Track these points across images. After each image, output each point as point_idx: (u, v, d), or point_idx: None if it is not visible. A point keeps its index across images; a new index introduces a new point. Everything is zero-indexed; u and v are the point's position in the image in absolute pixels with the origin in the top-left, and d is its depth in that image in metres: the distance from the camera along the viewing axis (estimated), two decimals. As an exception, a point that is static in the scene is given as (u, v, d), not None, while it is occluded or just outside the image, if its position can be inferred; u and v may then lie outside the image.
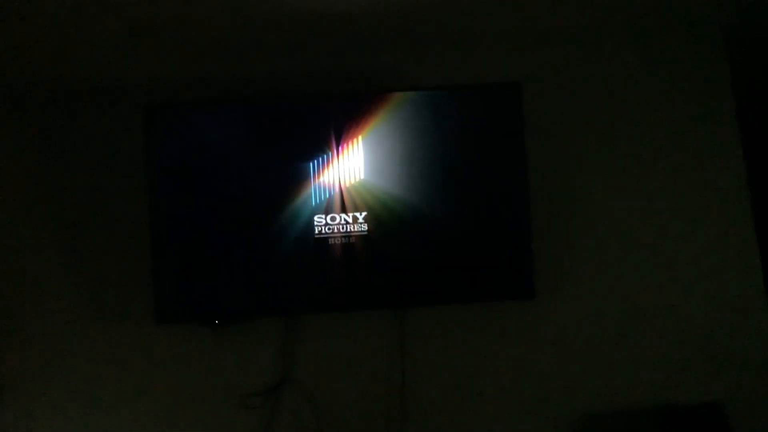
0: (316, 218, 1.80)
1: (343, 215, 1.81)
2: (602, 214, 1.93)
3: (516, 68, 1.97)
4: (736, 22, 1.98)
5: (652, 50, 2.00)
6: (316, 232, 1.80)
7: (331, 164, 1.82)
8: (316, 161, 1.82)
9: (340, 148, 1.83)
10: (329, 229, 1.80)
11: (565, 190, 1.94)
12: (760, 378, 1.83)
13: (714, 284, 1.89)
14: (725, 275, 1.89)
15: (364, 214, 1.80)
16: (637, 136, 1.96)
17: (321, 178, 1.82)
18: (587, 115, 1.98)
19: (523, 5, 1.82)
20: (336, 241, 1.80)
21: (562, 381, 1.86)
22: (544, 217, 1.87)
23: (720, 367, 1.84)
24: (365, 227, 1.80)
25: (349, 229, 1.80)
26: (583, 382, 1.85)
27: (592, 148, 1.96)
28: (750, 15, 1.96)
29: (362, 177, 1.82)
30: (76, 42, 1.82)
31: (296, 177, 1.82)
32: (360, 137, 1.83)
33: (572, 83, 1.99)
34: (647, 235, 1.91)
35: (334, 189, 1.82)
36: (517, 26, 1.94)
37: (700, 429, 1.71)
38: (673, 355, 1.86)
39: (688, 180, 1.94)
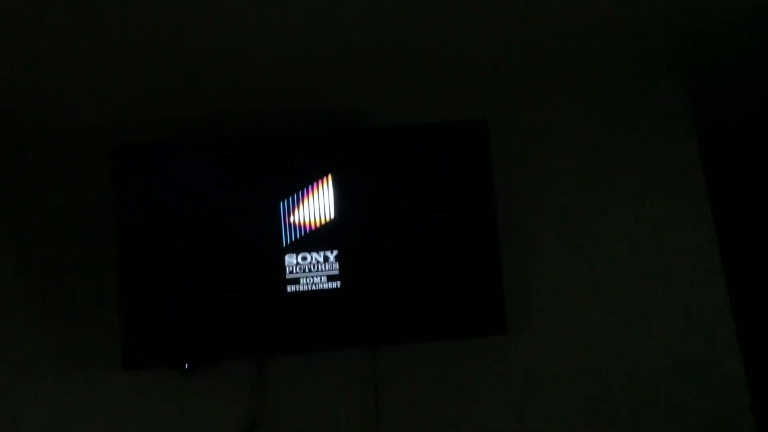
0: (287, 258, 1.79)
1: (314, 255, 1.80)
2: (571, 248, 1.96)
3: (485, 106, 2.01)
4: (697, 62, 2.06)
5: (615, 89, 2.06)
6: (287, 272, 1.79)
7: (301, 203, 1.82)
8: (286, 200, 1.82)
9: (310, 187, 1.83)
10: (300, 269, 1.79)
11: (533, 225, 1.97)
12: (729, 413, 1.86)
13: (684, 318, 1.91)
14: (695, 308, 1.92)
15: (335, 253, 1.80)
16: (604, 172, 2.00)
17: (292, 218, 1.81)
18: (555, 151, 2.02)
19: (491, 45, 1.86)
20: (307, 281, 1.79)
21: (533, 415, 1.86)
22: (513, 252, 1.89)
23: (689, 404, 1.86)
24: (336, 266, 1.80)
25: (320, 269, 1.79)
26: (554, 416, 1.86)
27: (561, 183, 2.00)
28: (712, 55, 2.03)
29: (332, 216, 1.82)
30: (40, 79, 1.80)
31: (267, 217, 1.81)
32: (330, 175, 1.83)
33: (540, 120, 2.04)
34: (617, 269, 1.94)
35: (304, 229, 1.81)
36: (485, 64, 1.98)
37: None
38: (642, 390, 1.87)
39: (654, 214, 1.98)
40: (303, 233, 1.81)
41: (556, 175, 2.00)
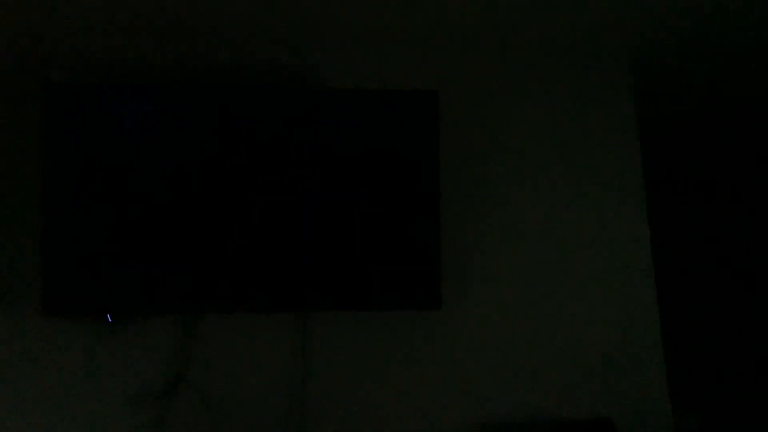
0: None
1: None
2: (510, 230, 1.97)
3: (435, 74, 2.01)
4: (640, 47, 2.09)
5: (562, 68, 2.07)
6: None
7: (242, 157, 1.77)
8: (226, 154, 1.76)
9: (253, 142, 1.78)
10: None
11: (475, 203, 1.97)
12: (651, 395, 1.92)
13: (611, 299, 1.97)
14: (622, 291, 1.98)
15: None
16: (547, 152, 2.02)
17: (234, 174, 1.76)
18: (502, 126, 2.02)
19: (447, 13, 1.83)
20: (244, 240, 1.75)
21: (461, 391, 1.87)
22: (452, 229, 1.89)
23: (613, 383, 1.91)
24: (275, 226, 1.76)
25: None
26: (483, 393, 1.88)
27: (504, 160, 2.01)
28: (653, 42, 2.06)
29: (275, 173, 1.78)
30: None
31: (205, 170, 1.75)
32: (276, 132, 1.78)
33: (490, 93, 2.03)
34: (553, 251, 1.97)
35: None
36: (437, 33, 1.96)
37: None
38: (571, 368, 1.91)
39: (591, 198, 2.02)
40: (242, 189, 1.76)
41: (500, 151, 2.01)
